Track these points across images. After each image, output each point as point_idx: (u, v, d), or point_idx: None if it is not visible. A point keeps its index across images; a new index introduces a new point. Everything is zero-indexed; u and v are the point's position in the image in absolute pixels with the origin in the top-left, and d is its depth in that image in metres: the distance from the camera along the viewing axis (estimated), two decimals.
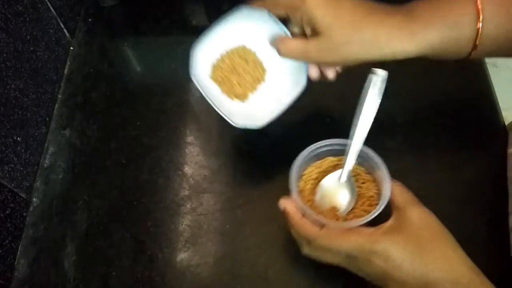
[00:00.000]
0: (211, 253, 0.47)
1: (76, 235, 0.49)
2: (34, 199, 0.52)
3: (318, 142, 0.46)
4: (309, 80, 0.59)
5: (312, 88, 0.58)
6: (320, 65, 0.48)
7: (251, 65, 0.49)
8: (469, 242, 0.47)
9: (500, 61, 1.21)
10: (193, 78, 0.45)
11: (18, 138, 0.50)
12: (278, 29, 0.45)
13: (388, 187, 0.42)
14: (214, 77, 0.49)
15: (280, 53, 0.45)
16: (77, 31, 0.66)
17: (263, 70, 0.50)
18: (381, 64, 0.46)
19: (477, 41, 0.40)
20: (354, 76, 0.59)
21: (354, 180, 0.46)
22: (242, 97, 0.49)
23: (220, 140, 0.54)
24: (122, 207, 0.51)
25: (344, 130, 0.54)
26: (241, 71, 0.48)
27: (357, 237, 0.38)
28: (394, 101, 0.56)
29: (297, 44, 0.43)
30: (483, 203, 0.49)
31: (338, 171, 0.46)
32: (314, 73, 0.47)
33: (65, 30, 0.63)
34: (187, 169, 0.53)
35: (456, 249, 0.38)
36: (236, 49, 0.49)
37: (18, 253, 0.49)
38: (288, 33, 0.45)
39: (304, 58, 0.44)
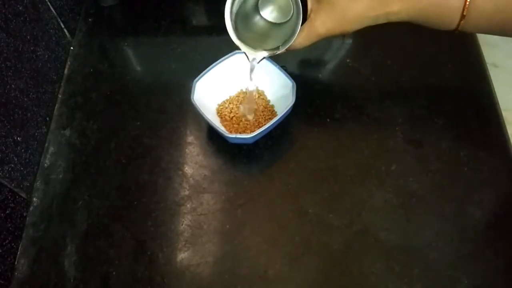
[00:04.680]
0: (211, 253, 0.47)
1: (76, 235, 0.49)
2: (34, 199, 0.52)
3: None
4: (309, 81, 0.59)
5: (312, 88, 0.58)
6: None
7: (260, 107, 0.55)
8: (470, 243, 0.47)
9: (500, 61, 1.22)
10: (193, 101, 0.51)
11: (18, 138, 0.50)
12: (272, 65, 0.53)
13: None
14: (219, 114, 0.55)
15: (295, 46, 0.48)
16: (77, 31, 0.66)
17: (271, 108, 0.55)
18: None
19: (465, 12, 0.42)
20: (354, 77, 0.60)
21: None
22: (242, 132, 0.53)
23: (220, 140, 0.54)
24: (122, 207, 0.51)
25: (344, 130, 0.54)
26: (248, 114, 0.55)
27: None
28: (394, 101, 0.57)
29: (303, 30, 0.46)
30: (483, 203, 0.49)
31: None
32: None
33: (65, 30, 0.63)
34: (187, 169, 0.53)
35: None
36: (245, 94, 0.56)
37: (18, 253, 0.49)
38: (282, 70, 0.52)
39: (313, 35, 0.47)
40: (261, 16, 0.48)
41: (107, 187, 0.52)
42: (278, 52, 0.47)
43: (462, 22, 0.43)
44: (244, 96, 0.55)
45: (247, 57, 0.48)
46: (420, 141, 0.53)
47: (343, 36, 0.61)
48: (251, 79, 0.51)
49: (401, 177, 0.51)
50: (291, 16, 0.46)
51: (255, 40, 0.48)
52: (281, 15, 0.47)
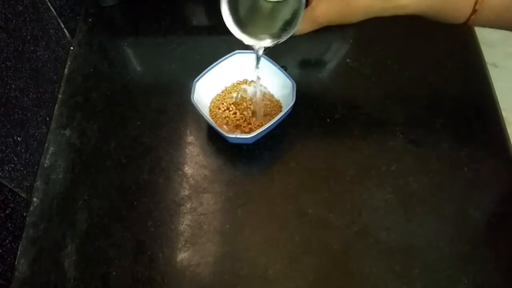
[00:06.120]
0: (211, 253, 0.47)
1: (76, 235, 0.49)
2: (34, 199, 0.52)
3: None
4: (309, 81, 0.59)
5: (312, 88, 0.58)
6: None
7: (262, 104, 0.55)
8: (469, 243, 0.47)
9: (500, 61, 1.22)
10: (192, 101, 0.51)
11: (18, 138, 0.50)
12: (272, 65, 0.53)
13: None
14: (213, 115, 0.54)
15: (295, 32, 0.46)
16: (77, 31, 0.66)
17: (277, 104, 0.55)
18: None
19: (477, 6, 0.41)
20: (354, 77, 0.60)
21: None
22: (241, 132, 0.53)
23: (220, 140, 0.54)
24: (122, 207, 0.51)
25: (344, 130, 0.54)
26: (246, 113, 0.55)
27: None
28: (394, 101, 0.57)
29: (304, 16, 0.44)
30: (483, 203, 0.49)
31: None
32: None
33: (65, 30, 0.63)
34: (187, 169, 0.53)
35: None
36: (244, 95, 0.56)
37: (18, 253, 0.49)
38: (282, 70, 0.52)
39: (313, 23, 0.46)
40: None
41: (107, 187, 0.52)
42: (283, 40, 0.45)
43: (472, 16, 0.42)
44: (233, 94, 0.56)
45: (254, 48, 0.47)
46: (420, 141, 0.53)
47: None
48: (257, 67, 0.50)
49: (401, 177, 0.51)
50: None
51: (258, 28, 0.47)
52: None
